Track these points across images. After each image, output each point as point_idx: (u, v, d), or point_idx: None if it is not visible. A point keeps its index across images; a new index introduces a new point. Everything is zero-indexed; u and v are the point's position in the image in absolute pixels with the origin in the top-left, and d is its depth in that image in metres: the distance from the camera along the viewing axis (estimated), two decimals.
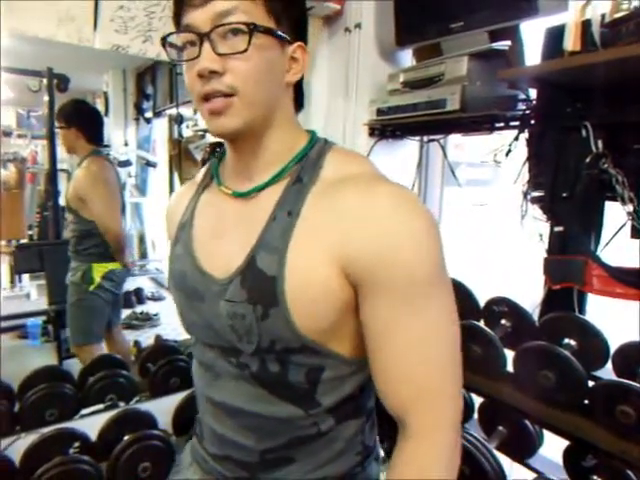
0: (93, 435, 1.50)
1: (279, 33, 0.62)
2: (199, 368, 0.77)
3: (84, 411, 1.69)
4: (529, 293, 1.47)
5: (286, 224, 0.62)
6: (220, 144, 2.67)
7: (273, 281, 0.60)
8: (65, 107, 2.38)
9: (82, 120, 2.34)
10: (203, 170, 0.83)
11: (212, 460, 0.76)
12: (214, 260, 0.69)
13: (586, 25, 1.08)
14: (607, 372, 1.16)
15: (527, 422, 1.23)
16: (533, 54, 1.36)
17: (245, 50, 0.58)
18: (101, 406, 1.72)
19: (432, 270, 0.59)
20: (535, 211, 1.32)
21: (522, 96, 1.35)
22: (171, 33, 0.64)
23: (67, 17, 1.33)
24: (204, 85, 0.60)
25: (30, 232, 4.40)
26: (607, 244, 1.22)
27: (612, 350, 1.16)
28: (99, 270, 2.34)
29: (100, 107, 4.74)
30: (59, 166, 3.14)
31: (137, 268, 4.95)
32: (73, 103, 2.41)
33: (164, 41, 0.65)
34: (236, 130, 0.63)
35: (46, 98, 2.72)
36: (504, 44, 1.33)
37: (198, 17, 0.59)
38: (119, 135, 4.78)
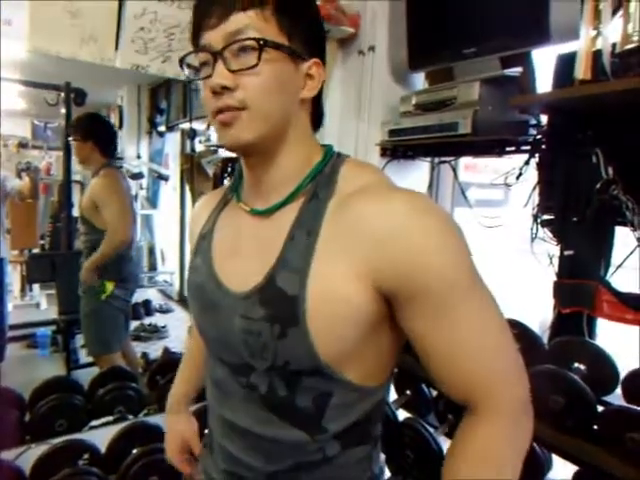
0: (102, 447, 1.51)
1: (290, 49, 0.63)
2: (210, 384, 0.78)
3: (93, 422, 1.71)
4: (540, 315, 1.48)
5: (307, 244, 0.62)
6: (232, 160, 2.71)
7: (294, 301, 0.60)
8: (81, 121, 2.44)
9: (97, 134, 2.40)
10: (228, 185, 0.85)
11: (220, 474, 0.77)
12: (231, 275, 0.70)
13: (597, 55, 1.10)
14: (617, 397, 1.16)
15: (536, 446, 1.22)
16: (545, 79, 1.38)
17: (255, 65, 0.60)
18: (110, 418, 1.74)
19: (464, 267, 0.60)
20: (546, 234, 1.33)
21: (533, 121, 1.37)
22: (188, 53, 0.67)
23: (90, 38, 1.38)
24: (217, 101, 0.62)
25: (42, 242, 4.46)
26: (617, 269, 1.23)
27: (622, 375, 1.16)
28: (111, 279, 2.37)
29: (114, 120, 4.85)
30: (73, 177, 3.20)
31: (146, 280, 4.98)
32: (89, 117, 2.47)
33: (182, 61, 0.68)
34: (247, 143, 0.63)
35: (63, 111, 2.79)
36: (516, 71, 1.36)
37: (212, 37, 0.61)
38: (132, 148, 4.86)
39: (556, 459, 1.23)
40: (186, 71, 0.69)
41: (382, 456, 1.60)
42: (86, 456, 1.47)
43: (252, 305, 0.64)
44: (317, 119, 0.73)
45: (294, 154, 0.68)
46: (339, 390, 0.65)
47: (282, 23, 0.62)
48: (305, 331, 0.60)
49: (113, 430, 1.56)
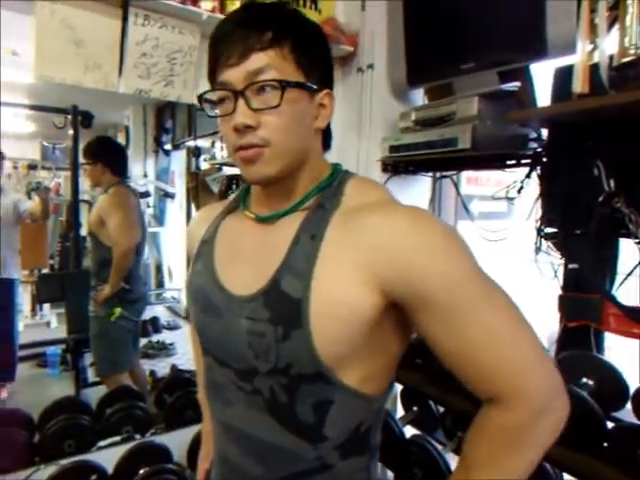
0: (110, 467, 1.51)
1: (308, 85, 0.66)
2: (210, 390, 0.78)
3: (101, 443, 1.71)
4: (549, 328, 1.46)
5: (310, 248, 0.64)
6: (236, 177, 2.73)
7: (298, 303, 0.62)
8: (91, 145, 2.51)
9: (108, 156, 2.47)
10: (233, 196, 0.87)
11: None
12: (234, 279, 0.71)
13: (594, 68, 1.10)
14: (627, 413, 1.14)
15: (546, 464, 1.20)
16: (544, 91, 1.38)
17: (278, 105, 0.62)
18: (117, 438, 1.73)
19: (467, 266, 0.61)
20: (549, 247, 1.32)
21: (533, 135, 1.37)
22: (208, 91, 0.69)
23: (94, 65, 1.41)
24: (239, 138, 0.64)
25: (51, 261, 4.50)
26: (622, 282, 1.22)
27: (632, 391, 1.13)
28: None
29: (121, 140, 4.91)
30: (81, 197, 3.24)
31: (154, 297, 5.01)
32: (99, 141, 2.55)
33: (200, 98, 0.70)
34: (269, 177, 0.67)
35: (71, 132, 2.84)
36: (514, 85, 1.36)
37: (233, 75, 0.63)
38: (139, 167, 4.92)
39: (567, 477, 1.20)
40: (204, 106, 0.71)
41: (384, 471, 1.58)
42: (94, 477, 1.47)
43: (257, 308, 0.66)
44: (327, 142, 0.77)
45: (307, 174, 0.71)
46: (340, 397, 0.66)
47: (299, 60, 0.65)
48: (308, 333, 0.62)
49: (121, 450, 1.56)
